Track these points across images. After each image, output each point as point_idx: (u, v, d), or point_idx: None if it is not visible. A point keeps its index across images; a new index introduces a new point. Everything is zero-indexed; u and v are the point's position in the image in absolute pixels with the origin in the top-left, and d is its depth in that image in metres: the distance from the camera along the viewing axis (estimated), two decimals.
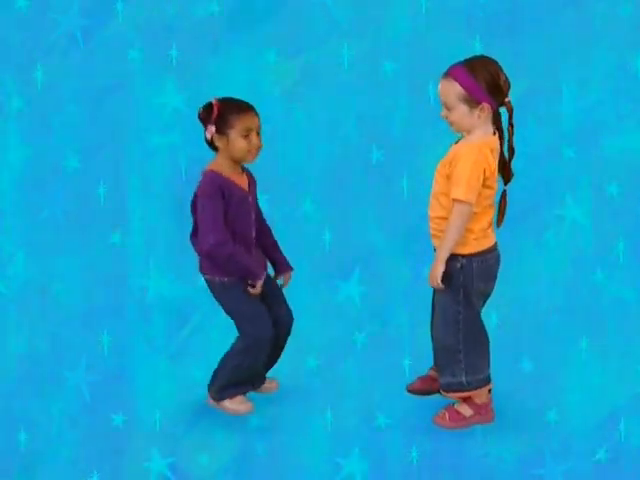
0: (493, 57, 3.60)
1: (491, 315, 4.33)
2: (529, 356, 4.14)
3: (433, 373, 3.89)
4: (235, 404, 3.86)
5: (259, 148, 3.72)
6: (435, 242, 3.69)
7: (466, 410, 3.78)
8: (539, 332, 4.30)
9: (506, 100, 3.59)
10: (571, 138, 4.98)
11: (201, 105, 3.72)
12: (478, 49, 4.95)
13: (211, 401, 3.90)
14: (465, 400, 3.78)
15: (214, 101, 3.70)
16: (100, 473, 3.54)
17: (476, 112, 3.56)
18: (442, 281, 3.60)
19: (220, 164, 3.73)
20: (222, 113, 3.68)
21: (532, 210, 4.82)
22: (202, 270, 3.79)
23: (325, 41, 5.01)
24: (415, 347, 4.12)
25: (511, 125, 3.61)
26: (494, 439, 3.69)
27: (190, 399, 3.90)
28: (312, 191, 4.73)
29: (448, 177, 3.59)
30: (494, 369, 3.96)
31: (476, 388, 3.73)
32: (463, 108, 3.56)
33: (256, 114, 3.72)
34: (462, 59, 3.60)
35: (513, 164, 3.69)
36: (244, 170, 3.80)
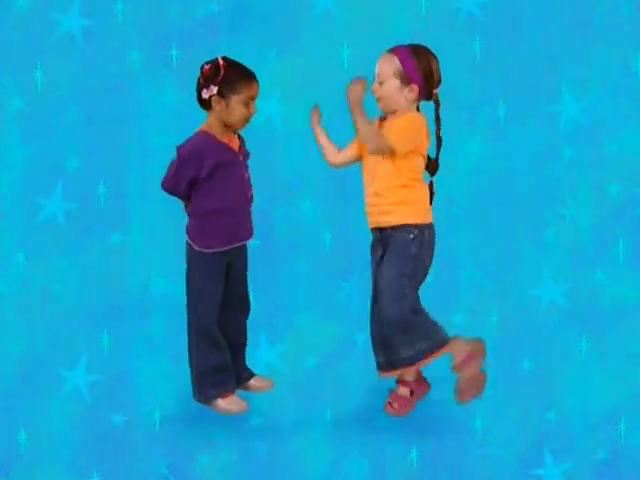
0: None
1: (491, 315, 4.33)
2: (529, 356, 4.14)
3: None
4: (227, 403, 3.87)
5: (253, 116, 3.73)
6: (371, 219, 3.73)
7: (405, 392, 3.84)
8: (539, 332, 4.30)
9: (434, 92, 3.70)
10: (571, 138, 4.98)
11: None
12: (478, 49, 4.95)
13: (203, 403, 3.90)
14: (401, 382, 3.83)
15: (221, 61, 3.68)
16: (100, 473, 3.54)
17: (405, 91, 3.66)
18: (394, 250, 3.64)
19: (212, 126, 3.73)
20: (228, 76, 3.66)
21: (532, 210, 4.82)
22: (186, 231, 3.82)
23: (325, 41, 5.01)
24: None
25: (438, 118, 3.72)
26: (494, 439, 3.69)
27: (190, 399, 3.90)
28: (312, 191, 4.73)
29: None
30: (494, 369, 3.96)
31: (439, 349, 3.72)
32: (395, 83, 3.66)
33: (258, 82, 3.72)
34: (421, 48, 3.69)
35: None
36: (235, 132, 3.80)
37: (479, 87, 5.03)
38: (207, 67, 3.68)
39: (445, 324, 4.35)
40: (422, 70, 3.66)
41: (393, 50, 3.69)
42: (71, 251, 4.70)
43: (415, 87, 3.66)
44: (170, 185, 3.78)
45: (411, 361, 3.74)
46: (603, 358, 4.14)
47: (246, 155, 3.83)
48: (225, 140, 3.73)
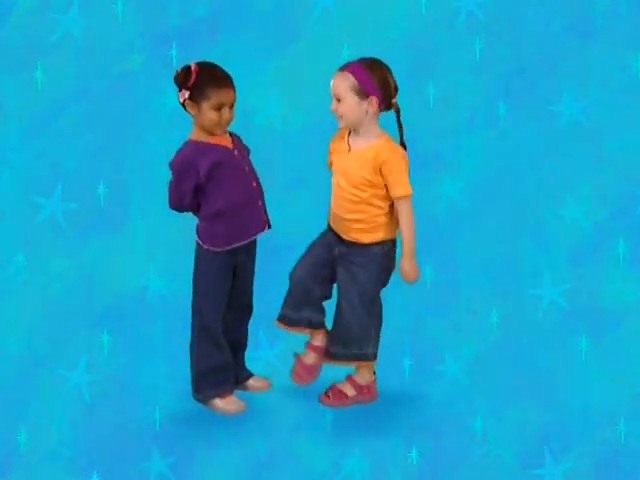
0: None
1: (491, 315, 4.33)
2: (530, 356, 4.14)
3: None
4: (225, 403, 3.87)
5: (229, 122, 3.72)
6: (352, 235, 3.75)
7: (349, 390, 3.90)
8: (539, 332, 4.30)
9: (393, 101, 3.71)
10: (571, 138, 4.98)
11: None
12: (478, 49, 4.95)
13: (201, 402, 3.90)
14: (349, 381, 3.90)
15: (193, 66, 3.67)
16: (100, 473, 3.54)
17: (365, 104, 3.66)
18: (371, 265, 3.75)
19: (198, 132, 3.73)
20: (199, 82, 3.65)
21: (532, 210, 4.82)
22: (197, 232, 3.82)
23: (325, 41, 5.01)
24: (415, 347, 4.13)
25: (400, 124, 3.73)
26: (494, 439, 3.69)
27: (190, 399, 3.90)
28: (312, 191, 4.73)
29: (374, 178, 3.68)
30: (494, 368, 3.97)
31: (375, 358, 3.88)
32: (353, 99, 3.66)
33: (232, 88, 3.69)
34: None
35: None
36: (226, 131, 3.79)
37: (479, 87, 5.03)
38: (179, 72, 3.69)
39: (445, 324, 4.36)
40: (377, 81, 3.66)
41: (345, 67, 3.69)
42: (71, 251, 4.70)
43: (374, 99, 3.65)
44: (175, 201, 3.78)
45: (356, 359, 3.89)
46: (603, 358, 4.14)
47: (244, 150, 3.82)
48: (214, 141, 3.73)
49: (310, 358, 3.89)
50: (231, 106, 3.70)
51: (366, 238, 3.76)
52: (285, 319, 3.89)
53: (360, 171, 3.70)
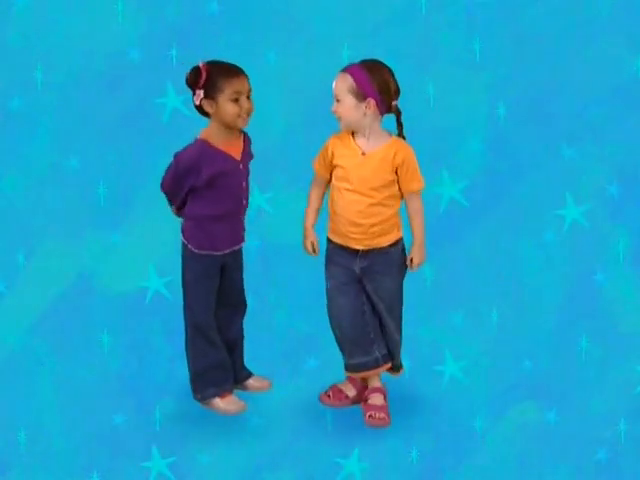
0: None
1: (491, 314, 4.33)
2: (529, 356, 4.14)
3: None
4: (226, 403, 3.87)
5: (250, 112, 3.69)
6: (367, 242, 3.73)
7: (349, 390, 3.90)
8: (539, 332, 4.30)
9: (393, 104, 3.70)
10: (571, 138, 4.98)
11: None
12: (478, 49, 4.95)
13: (201, 402, 3.90)
14: (350, 381, 3.91)
15: (201, 65, 3.66)
16: (100, 473, 3.54)
17: (362, 106, 3.65)
18: (393, 269, 3.78)
19: (212, 132, 3.71)
20: (210, 77, 3.64)
21: (532, 210, 4.82)
22: (182, 231, 3.82)
23: (325, 41, 5.01)
24: (415, 347, 4.12)
25: (400, 124, 3.74)
26: (494, 439, 3.69)
27: (190, 399, 3.90)
28: None
29: (392, 178, 3.70)
30: (494, 368, 3.97)
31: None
32: (351, 100, 3.66)
33: (246, 77, 3.68)
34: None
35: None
36: (240, 132, 3.78)
37: (479, 87, 5.03)
38: (189, 74, 3.68)
39: (445, 324, 4.36)
40: (376, 83, 3.64)
41: (345, 68, 3.68)
42: (71, 251, 4.70)
43: (372, 101, 3.64)
44: (169, 190, 3.78)
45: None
46: (603, 358, 4.14)
47: (248, 159, 3.81)
48: (225, 147, 3.71)
49: (380, 399, 3.86)
50: (248, 95, 3.68)
51: (384, 241, 3.74)
52: (363, 366, 3.83)
53: (380, 172, 3.69)
